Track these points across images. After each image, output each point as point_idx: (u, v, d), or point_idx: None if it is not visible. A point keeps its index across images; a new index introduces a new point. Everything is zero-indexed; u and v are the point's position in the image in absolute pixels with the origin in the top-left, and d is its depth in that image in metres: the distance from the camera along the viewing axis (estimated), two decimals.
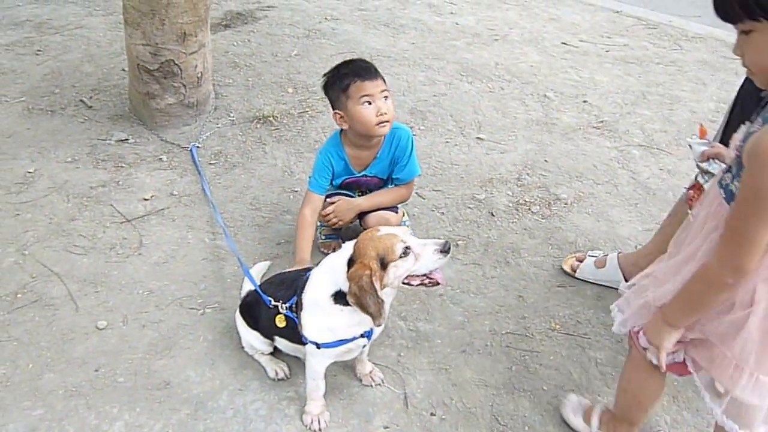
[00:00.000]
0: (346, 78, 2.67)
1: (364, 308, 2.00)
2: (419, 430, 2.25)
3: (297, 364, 2.44)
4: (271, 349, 2.42)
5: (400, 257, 2.02)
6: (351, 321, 2.11)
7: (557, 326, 2.68)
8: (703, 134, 2.05)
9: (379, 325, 2.06)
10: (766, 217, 1.46)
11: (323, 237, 3.05)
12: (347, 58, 2.82)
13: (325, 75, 2.77)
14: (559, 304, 2.78)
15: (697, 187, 2.04)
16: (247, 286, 2.57)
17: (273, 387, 2.36)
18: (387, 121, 2.70)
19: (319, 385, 2.25)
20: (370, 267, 1.99)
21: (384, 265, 2.01)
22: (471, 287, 2.88)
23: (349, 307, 2.06)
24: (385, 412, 2.30)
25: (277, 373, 2.39)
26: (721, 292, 1.61)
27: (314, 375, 2.22)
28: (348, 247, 2.11)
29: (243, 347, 2.46)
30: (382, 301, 2.01)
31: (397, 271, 2.03)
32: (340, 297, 2.07)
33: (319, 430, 2.24)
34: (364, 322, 2.10)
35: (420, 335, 2.62)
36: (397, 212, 2.98)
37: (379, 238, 2.04)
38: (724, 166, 1.77)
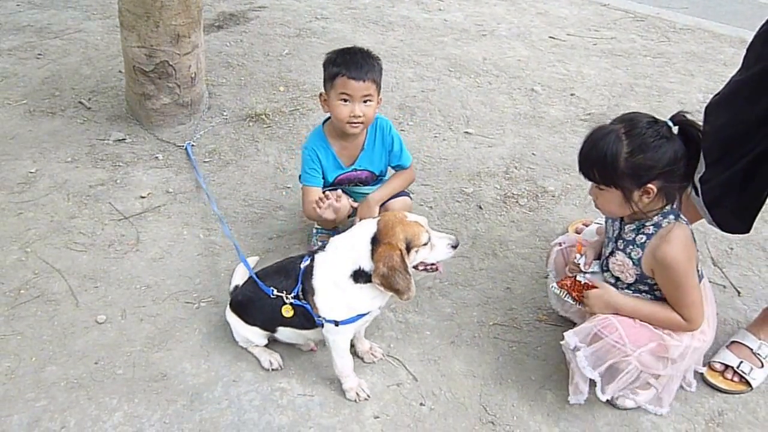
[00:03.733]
0: (337, 67, 2.64)
1: (391, 286, 2.10)
2: (409, 420, 2.29)
3: (290, 354, 2.50)
4: (266, 341, 2.47)
5: (423, 245, 2.18)
6: (370, 296, 2.21)
7: (544, 317, 2.72)
8: (580, 249, 2.42)
9: (408, 299, 2.16)
10: (694, 289, 2.11)
11: (321, 232, 3.04)
12: (347, 46, 2.79)
13: (328, 54, 2.73)
14: (546, 295, 2.78)
15: (573, 282, 2.42)
16: (236, 280, 2.62)
17: (266, 378, 2.41)
18: (359, 123, 2.70)
19: (347, 361, 2.31)
20: (399, 248, 2.11)
21: (408, 249, 2.15)
22: (459, 279, 2.92)
23: (368, 284, 2.16)
24: (375, 402, 2.34)
25: (271, 363, 2.43)
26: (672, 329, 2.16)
27: (341, 352, 2.29)
28: (367, 227, 2.20)
29: (236, 340, 2.51)
30: (410, 276, 2.13)
31: (417, 256, 2.19)
32: (360, 275, 2.17)
33: (367, 396, 2.34)
34: (382, 295, 2.22)
35: (409, 327, 2.67)
36: (410, 197, 3.05)
37: (408, 222, 2.18)
38: (597, 263, 2.36)
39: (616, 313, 2.18)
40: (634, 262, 2.17)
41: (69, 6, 5.62)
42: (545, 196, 3.50)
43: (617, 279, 2.26)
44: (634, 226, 2.16)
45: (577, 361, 2.17)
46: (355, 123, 2.70)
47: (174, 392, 2.35)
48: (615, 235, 2.25)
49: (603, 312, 2.21)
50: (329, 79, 2.68)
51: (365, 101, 2.67)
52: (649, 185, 2.00)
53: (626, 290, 2.24)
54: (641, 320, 2.17)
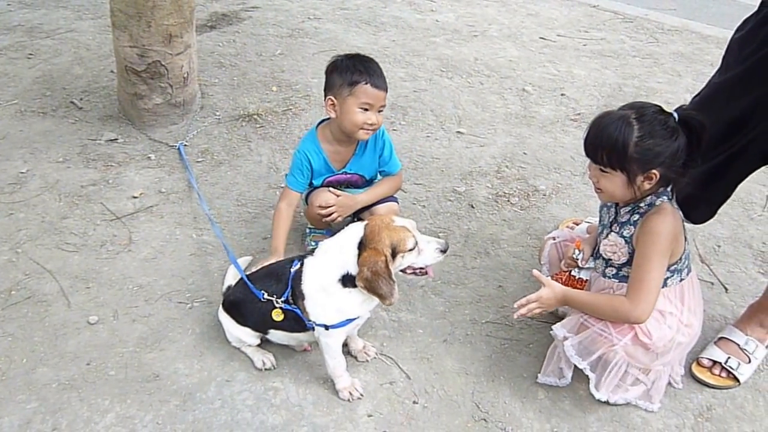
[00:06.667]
0: (359, 75, 2.61)
1: (374, 291, 2.11)
2: (402, 418, 2.30)
3: (283, 354, 2.51)
4: (258, 341, 2.47)
5: (409, 250, 2.18)
6: (358, 300, 2.22)
7: (536, 315, 2.74)
8: (578, 245, 2.46)
9: (390, 305, 2.17)
10: (656, 271, 2.08)
11: (315, 232, 3.06)
12: (356, 53, 2.75)
13: (336, 57, 2.71)
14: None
15: (567, 278, 2.54)
16: (228, 280, 2.62)
17: (259, 378, 2.42)
18: (372, 131, 2.71)
19: (339, 361, 2.32)
20: (384, 253, 2.11)
21: (393, 254, 2.15)
22: (452, 278, 2.94)
23: (356, 289, 2.17)
24: (368, 401, 2.35)
25: (264, 363, 2.44)
26: (619, 321, 2.16)
27: (333, 354, 2.30)
28: (354, 231, 2.21)
29: (229, 340, 2.51)
30: (394, 282, 2.13)
31: (403, 261, 2.19)
32: (348, 280, 2.17)
33: (360, 395, 2.35)
34: (371, 300, 2.22)
35: (402, 325, 2.68)
36: (397, 203, 3.04)
37: (394, 227, 2.17)
38: (592, 259, 2.43)
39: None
40: (626, 240, 2.21)
41: (60, 6, 5.59)
42: (536, 195, 3.52)
43: (607, 261, 2.29)
44: (629, 208, 2.21)
45: (564, 349, 2.22)
46: (368, 130, 2.70)
47: (167, 393, 2.35)
48: (610, 220, 2.29)
49: (556, 305, 2.30)
50: (348, 85, 2.62)
51: (380, 110, 2.70)
52: (653, 171, 2.05)
53: (619, 271, 2.28)
54: (587, 311, 2.23)
